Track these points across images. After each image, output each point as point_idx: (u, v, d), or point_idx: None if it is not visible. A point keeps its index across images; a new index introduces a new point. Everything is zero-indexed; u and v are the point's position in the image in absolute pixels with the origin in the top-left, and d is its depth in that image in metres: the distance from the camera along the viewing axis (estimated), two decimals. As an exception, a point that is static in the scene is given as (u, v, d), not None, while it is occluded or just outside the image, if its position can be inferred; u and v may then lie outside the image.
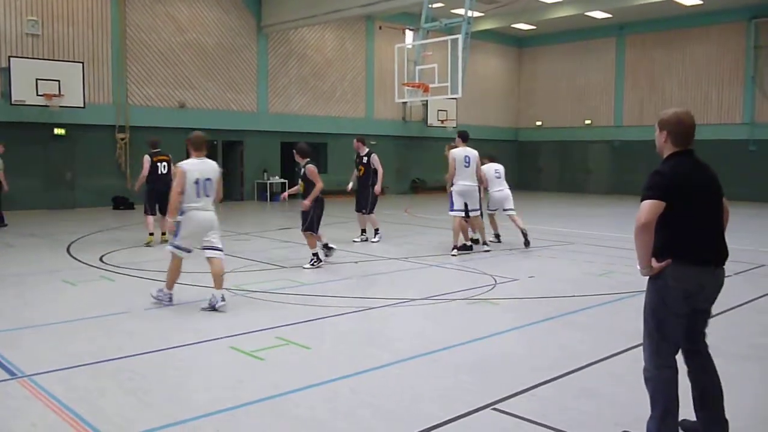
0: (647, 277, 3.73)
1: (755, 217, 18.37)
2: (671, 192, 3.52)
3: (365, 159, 12.44)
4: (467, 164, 11.04)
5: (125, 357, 5.41)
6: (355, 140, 12.73)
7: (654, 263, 3.60)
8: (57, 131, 18.54)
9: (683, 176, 3.59)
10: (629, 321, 6.83)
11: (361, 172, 12.53)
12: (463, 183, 11.04)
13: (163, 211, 11.48)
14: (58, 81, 17.58)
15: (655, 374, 3.68)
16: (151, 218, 11.99)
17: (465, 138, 11.33)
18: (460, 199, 11.10)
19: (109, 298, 7.72)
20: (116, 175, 19.79)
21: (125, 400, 4.51)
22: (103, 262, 10.07)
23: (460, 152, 11.10)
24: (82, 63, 18.38)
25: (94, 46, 19.33)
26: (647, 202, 3.52)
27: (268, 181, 23.19)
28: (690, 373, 3.84)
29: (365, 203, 12.49)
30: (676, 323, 3.66)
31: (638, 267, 3.67)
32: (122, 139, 19.78)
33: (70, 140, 18.89)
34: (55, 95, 17.47)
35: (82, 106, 18.13)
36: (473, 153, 11.20)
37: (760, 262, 10.32)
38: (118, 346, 5.70)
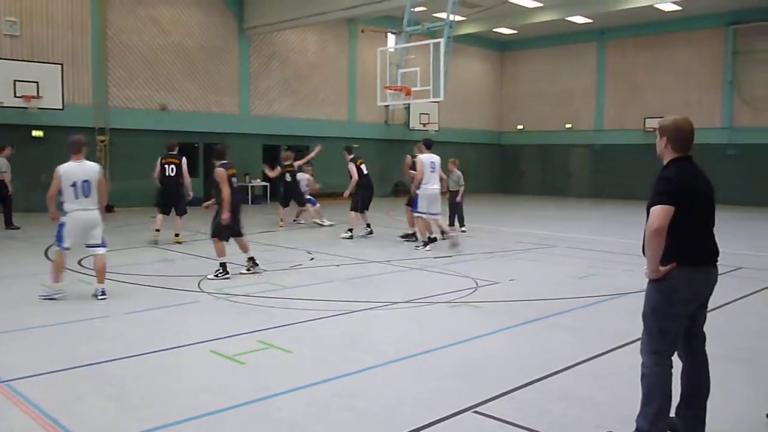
0: (648, 279, 3.82)
1: (734, 220, 18.58)
2: (678, 197, 3.63)
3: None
4: (432, 169, 11.92)
5: (104, 362, 5.35)
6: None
7: (660, 267, 3.70)
8: (35, 133, 18.32)
9: (687, 182, 3.71)
10: (610, 323, 6.89)
11: None
12: (429, 187, 11.87)
13: (177, 212, 12.70)
14: (37, 82, 17.34)
15: (654, 371, 3.76)
16: (160, 216, 12.62)
17: (429, 145, 12.18)
18: (425, 202, 11.94)
19: (87, 301, 7.64)
20: (96, 178, 19.57)
21: (105, 405, 4.46)
22: (81, 265, 9.95)
23: (426, 158, 11.95)
24: (62, 64, 18.15)
25: (74, 48, 19.14)
26: (659, 207, 3.62)
27: (250, 184, 23.09)
28: (684, 373, 3.94)
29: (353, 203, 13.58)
30: (679, 323, 3.78)
31: (646, 269, 3.77)
32: (102, 142, 19.59)
33: (49, 142, 18.65)
34: (33, 97, 17.25)
35: (61, 108, 17.91)
36: (438, 159, 12.09)
37: (738, 265, 10.46)
38: (97, 351, 5.63)
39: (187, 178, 12.63)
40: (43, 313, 7.06)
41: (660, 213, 3.61)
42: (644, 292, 3.88)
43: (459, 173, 14.55)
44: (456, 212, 14.46)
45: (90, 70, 19.45)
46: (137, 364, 5.36)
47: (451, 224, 14.16)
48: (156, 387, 4.84)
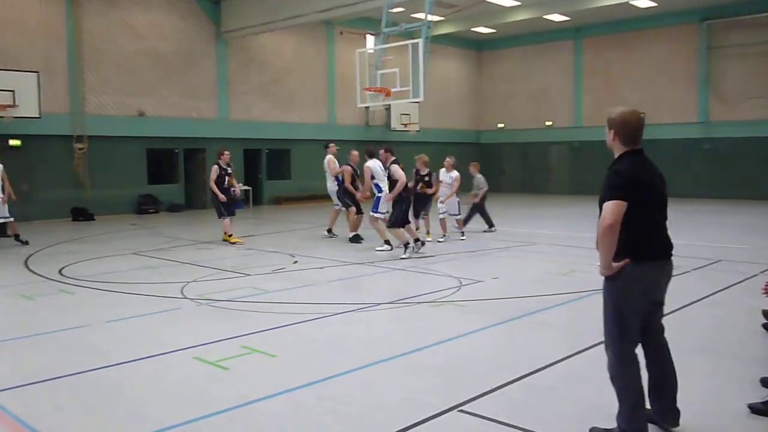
0: (604, 278, 3.82)
1: (710, 213, 18.80)
2: (631, 191, 3.60)
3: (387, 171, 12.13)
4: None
5: (85, 372, 5.30)
6: (382, 152, 12.30)
7: (613, 263, 3.69)
8: (12, 142, 18.09)
9: (639, 175, 3.69)
10: (592, 319, 6.91)
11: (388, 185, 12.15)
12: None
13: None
14: (12, 91, 17.11)
15: (620, 371, 3.78)
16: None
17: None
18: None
19: (68, 311, 7.56)
20: (75, 186, 19.39)
21: (85, 416, 4.41)
22: (62, 275, 9.86)
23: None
24: (37, 72, 17.94)
25: (49, 55, 18.92)
26: (612, 203, 3.58)
27: (232, 189, 22.93)
28: (647, 364, 3.96)
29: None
30: (636, 318, 3.77)
31: (598, 266, 3.75)
32: (80, 149, 19.40)
33: (26, 151, 18.46)
34: (9, 106, 17.02)
35: (37, 116, 17.70)
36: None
37: (716, 258, 10.57)
38: (77, 361, 5.57)
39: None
40: (21, 324, 6.98)
41: (613, 208, 3.57)
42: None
43: (481, 176, 14.63)
44: (476, 213, 14.56)
45: (66, 78, 19.25)
46: (118, 373, 5.31)
47: (465, 223, 14.17)
48: (137, 396, 4.80)
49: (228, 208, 13.25)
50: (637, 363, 3.79)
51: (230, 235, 13.28)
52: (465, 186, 14.44)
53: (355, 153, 13.98)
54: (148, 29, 21.08)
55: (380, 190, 12.13)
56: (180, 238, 14.25)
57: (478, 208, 14.60)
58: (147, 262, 11.17)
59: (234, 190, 13.58)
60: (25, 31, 18.46)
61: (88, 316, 7.21)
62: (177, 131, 21.60)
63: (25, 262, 11.13)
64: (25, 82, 17.44)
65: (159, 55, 21.31)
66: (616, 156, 3.81)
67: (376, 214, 12.11)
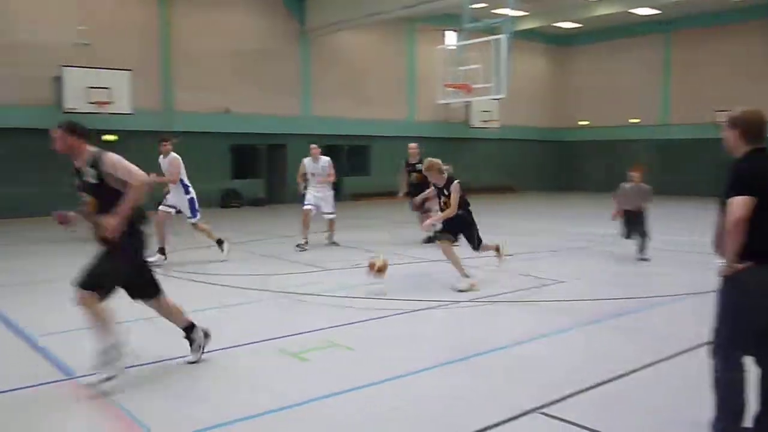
0: (719, 277, 3.69)
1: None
2: (754, 188, 3.52)
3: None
4: None
5: (173, 358, 5.52)
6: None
7: (736, 264, 3.56)
8: (105, 137, 19.01)
9: (761, 173, 3.59)
10: (679, 324, 6.71)
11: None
12: None
13: None
14: (108, 89, 18.04)
15: (725, 376, 3.64)
16: None
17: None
18: None
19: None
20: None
21: (173, 400, 4.60)
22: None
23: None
24: (131, 71, 18.81)
25: (142, 54, 19.79)
26: (739, 198, 3.51)
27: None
28: (761, 385, 3.75)
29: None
30: (752, 324, 3.61)
31: (721, 263, 3.64)
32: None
33: (120, 146, 19.32)
34: (105, 102, 17.93)
35: (130, 112, 18.56)
36: None
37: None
38: (166, 347, 5.81)
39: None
40: (117, 309, 7.29)
41: (740, 203, 3.49)
42: (714, 292, 3.76)
43: (646, 186, 10.73)
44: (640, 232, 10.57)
45: (157, 76, 20.09)
46: (204, 361, 5.49)
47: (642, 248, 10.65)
48: (222, 384, 4.96)
49: None
50: (744, 371, 3.63)
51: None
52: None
53: (413, 145, 13.03)
54: (236, 29, 21.72)
55: (187, 191, 11.44)
56: (262, 232, 14.61)
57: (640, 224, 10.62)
58: (231, 254, 11.49)
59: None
60: (121, 33, 19.36)
61: (183, 305, 7.46)
62: (260, 128, 22.17)
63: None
64: (119, 80, 18.34)
65: (245, 53, 21.93)
66: (738, 155, 3.72)
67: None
